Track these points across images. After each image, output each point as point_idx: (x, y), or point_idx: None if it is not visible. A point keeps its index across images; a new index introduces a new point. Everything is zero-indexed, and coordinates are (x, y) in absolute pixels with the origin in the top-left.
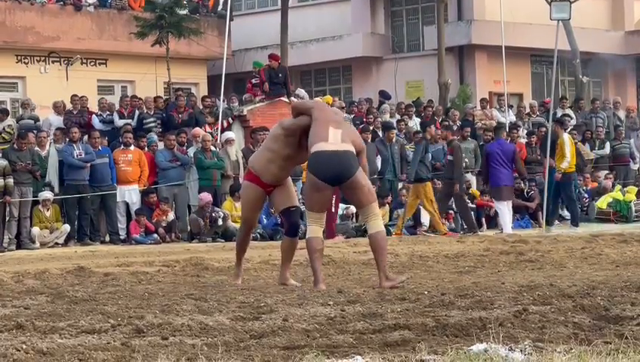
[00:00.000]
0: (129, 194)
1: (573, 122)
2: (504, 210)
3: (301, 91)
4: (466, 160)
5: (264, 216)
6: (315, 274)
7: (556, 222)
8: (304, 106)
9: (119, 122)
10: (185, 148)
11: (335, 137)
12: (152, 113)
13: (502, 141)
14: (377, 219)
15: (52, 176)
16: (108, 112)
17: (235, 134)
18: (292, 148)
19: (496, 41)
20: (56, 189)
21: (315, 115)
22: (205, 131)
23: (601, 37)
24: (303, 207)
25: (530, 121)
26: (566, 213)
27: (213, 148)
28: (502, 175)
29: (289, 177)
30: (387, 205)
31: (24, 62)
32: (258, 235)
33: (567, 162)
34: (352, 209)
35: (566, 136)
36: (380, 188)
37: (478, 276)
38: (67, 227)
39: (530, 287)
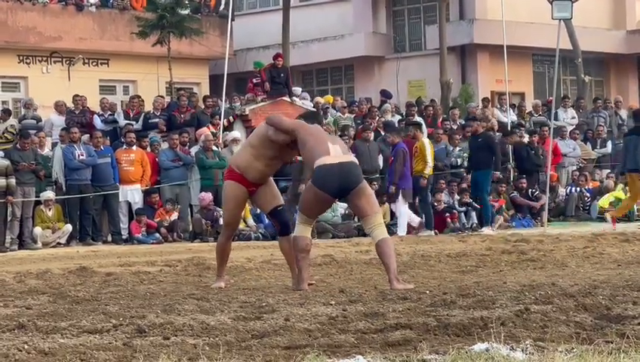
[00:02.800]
0: (131, 194)
1: (575, 121)
2: (407, 211)
3: (297, 90)
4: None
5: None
6: (299, 273)
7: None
8: (283, 127)
9: (123, 122)
10: (187, 147)
11: (335, 151)
12: (158, 114)
13: (402, 143)
14: (382, 227)
15: (59, 175)
16: (109, 112)
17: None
18: (276, 151)
19: (498, 41)
20: (64, 188)
21: (302, 137)
22: (209, 131)
23: (603, 36)
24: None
25: (532, 121)
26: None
27: (215, 147)
28: (407, 175)
29: (271, 176)
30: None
31: (26, 63)
32: (260, 235)
33: (430, 167)
34: None
35: (426, 141)
36: (380, 187)
37: (480, 275)
38: (69, 227)
39: (531, 287)
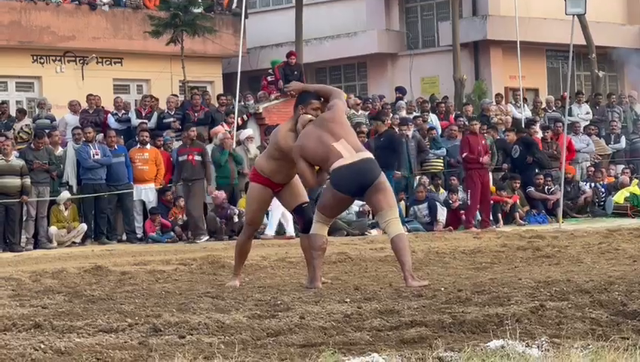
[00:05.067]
0: (145, 193)
1: (589, 117)
2: (279, 213)
3: None
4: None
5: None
6: (314, 271)
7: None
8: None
9: (136, 121)
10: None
11: (346, 149)
12: (172, 113)
13: None
14: (398, 222)
15: (70, 175)
16: (123, 111)
17: None
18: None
19: (511, 37)
20: (74, 189)
21: (309, 151)
22: (224, 129)
23: (617, 31)
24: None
25: (546, 116)
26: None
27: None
28: None
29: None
30: (402, 201)
31: (40, 62)
32: (274, 233)
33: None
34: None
35: None
36: (395, 184)
37: (495, 272)
38: (84, 226)
39: (547, 283)
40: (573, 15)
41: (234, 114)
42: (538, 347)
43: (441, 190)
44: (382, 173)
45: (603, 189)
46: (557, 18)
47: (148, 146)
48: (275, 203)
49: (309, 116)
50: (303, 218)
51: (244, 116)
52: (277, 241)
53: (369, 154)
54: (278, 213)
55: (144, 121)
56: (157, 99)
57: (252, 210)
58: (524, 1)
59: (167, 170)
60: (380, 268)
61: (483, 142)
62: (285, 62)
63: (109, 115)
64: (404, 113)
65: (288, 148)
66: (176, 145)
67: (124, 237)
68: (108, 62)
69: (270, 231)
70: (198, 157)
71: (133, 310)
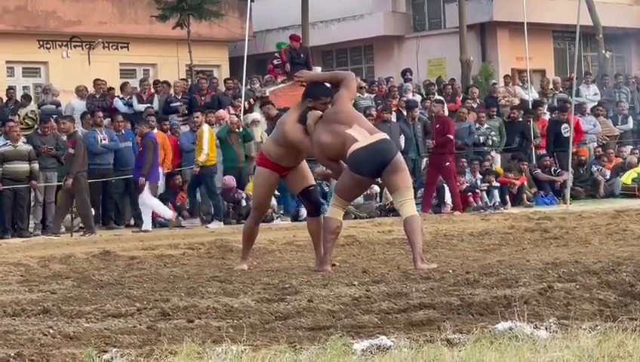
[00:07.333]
0: None
1: (597, 98)
2: (155, 203)
3: (317, 70)
4: (494, 138)
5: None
6: (324, 255)
7: None
8: (302, 145)
9: (138, 106)
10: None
11: (360, 133)
12: (179, 97)
13: (150, 133)
14: (412, 203)
15: None
16: (129, 96)
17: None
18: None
19: (518, 18)
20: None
21: (328, 148)
22: (230, 113)
23: (624, 11)
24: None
25: (555, 98)
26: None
27: (238, 129)
28: (156, 166)
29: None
30: None
31: (46, 48)
32: (281, 216)
33: (205, 155)
34: (375, 188)
35: (205, 127)
36: None
37: (503, 254)
38: (92, 211)
39: (555, 264)
40: None
41: (241, 98)
42: (546, 328)
43: None
44: (399, 152)
45: (607, 173)
46: None
47: (155, 131)
48: (146, 195)
49: (319, 113)
50: (309, 201)
51: (251, 100)
52: (285, 225)
53: (384, 135)
54: (148, 208)
55: (150, 105)
56: (167, 84)
57: (259, 194)
58: None
59: (175, 154)
60: (387, 251)
61: (437, 126)
62: (290, 45)
63: (116, 98)
64: (410, 96)
65: (296, 140)
66: (184, 129)
67: (132, 221)
68: (114, 47)
69: (147, 225)
70: (72, 150)
71: (142, 294)
